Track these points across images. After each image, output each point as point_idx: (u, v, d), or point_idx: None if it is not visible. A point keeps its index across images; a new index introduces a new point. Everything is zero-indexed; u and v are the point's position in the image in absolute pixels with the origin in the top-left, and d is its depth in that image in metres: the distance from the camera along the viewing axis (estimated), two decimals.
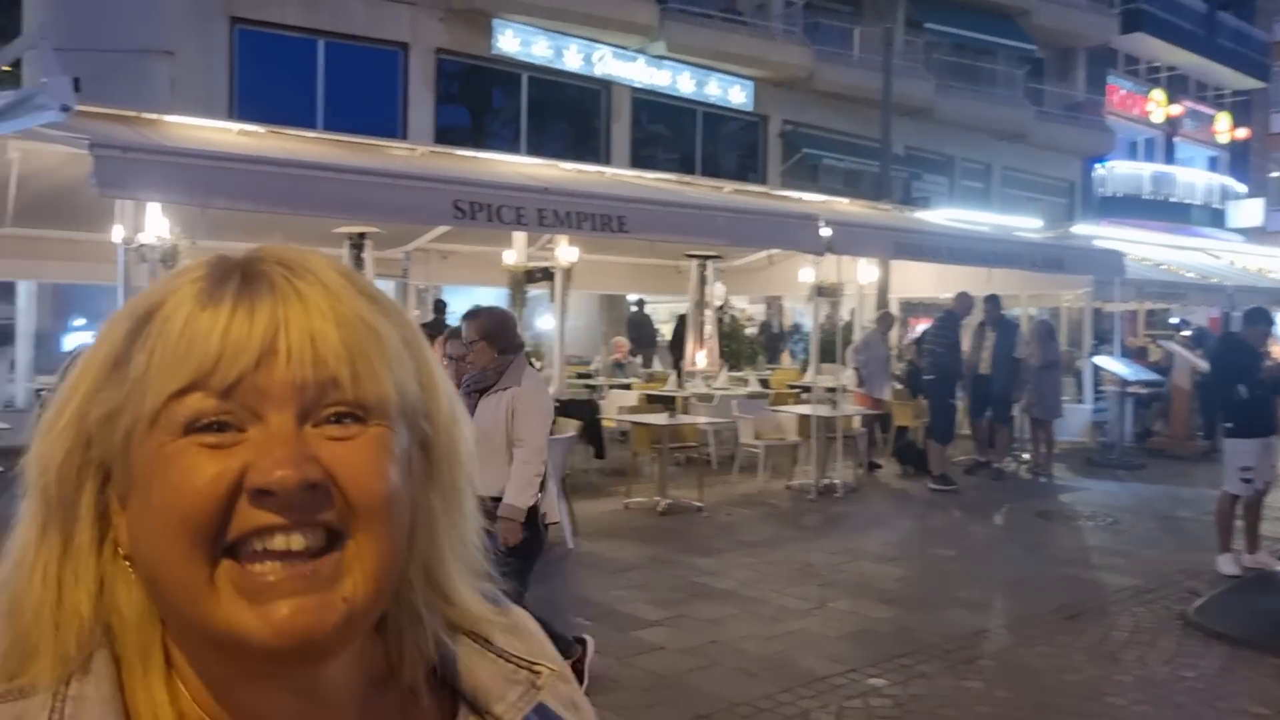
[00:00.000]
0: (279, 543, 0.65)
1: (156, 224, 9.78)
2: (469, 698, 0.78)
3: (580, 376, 15.89)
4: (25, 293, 16.87)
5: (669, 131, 22.93)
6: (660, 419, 9.65)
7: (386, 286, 19.43)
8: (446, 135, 18.93)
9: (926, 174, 26.77)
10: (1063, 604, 6.70)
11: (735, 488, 10.86)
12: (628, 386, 13.47)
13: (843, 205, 15.31)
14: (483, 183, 7.91)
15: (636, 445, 10.21)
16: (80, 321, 16.34)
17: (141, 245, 9.85)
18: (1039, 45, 28.71)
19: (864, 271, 15.32)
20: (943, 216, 15.86)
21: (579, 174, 12.18)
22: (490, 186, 7.87)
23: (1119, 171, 31.71)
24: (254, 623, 0.64)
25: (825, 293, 16.00)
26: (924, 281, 16.14)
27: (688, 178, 13.50)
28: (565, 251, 12.11)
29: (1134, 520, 9.62)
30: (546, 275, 12.38)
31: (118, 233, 10.19)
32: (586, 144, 21.24)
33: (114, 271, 10.81)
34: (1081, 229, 16.78)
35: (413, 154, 11.18)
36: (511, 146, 19.46)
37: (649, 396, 12.88)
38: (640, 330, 19.56)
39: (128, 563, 0.69)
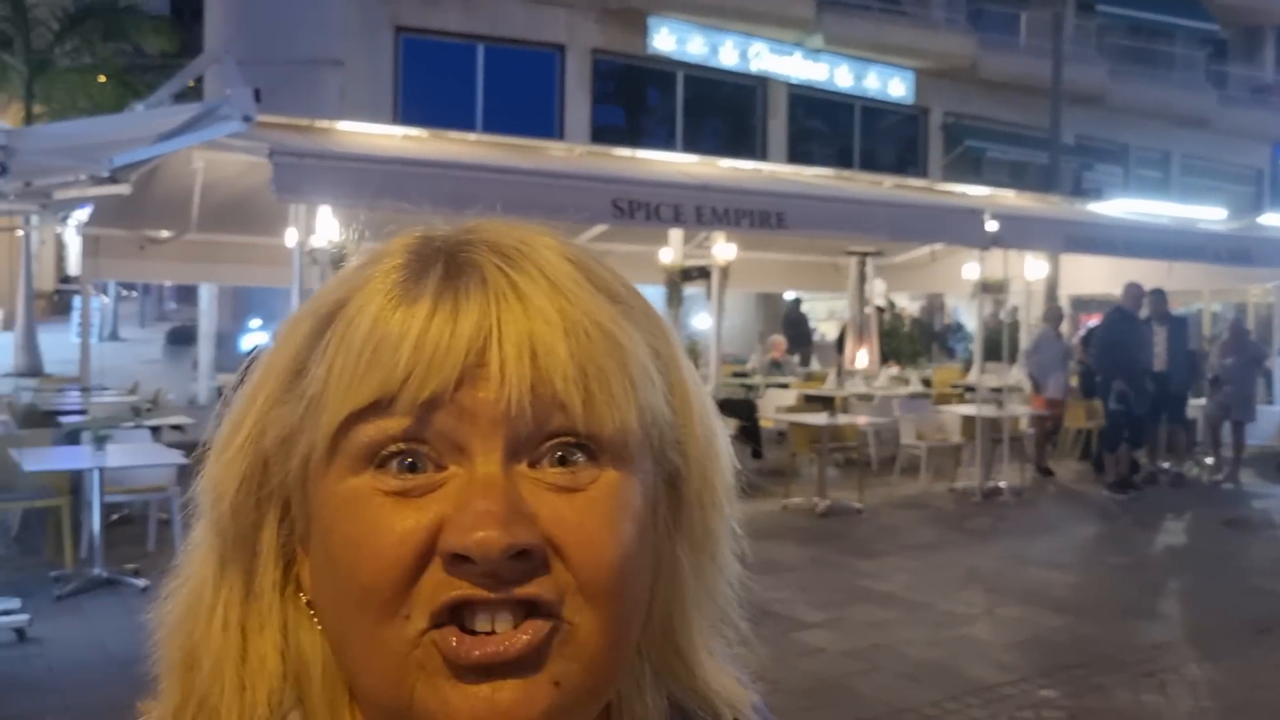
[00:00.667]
0: (481, 624, 0.52)
1: (328, 227, 10.21)
2: None
3: (736, 375, 15.81)
4: (206, 295, 17.83)
5: (826, 126, 22.63)
6: (820, 419, 9.50)
7: None
8: (602, 135, 19.14)
9: (1098, 164, 25.69)
10: (1252, 617, 6.28)
11: (896, 489, 10.61)
12: (785, 386, 13.31)
13: (1009, 198, 14.77)
14: (642, 181, 7.94)
15: (795, 445, 10.08)
16: (257, 322, 17.14)
17: (314, 248, 10.31)
18: (1222, 25, 27.15)
19: (1031, 267, 14.81)
20: (1116, 208, 15.14)
21: (735, 171, 12.10)
22: (649, 184, 7.89)
23: None
24: (451, 705, 0.52)
25: (990, 289, 15.57)
26: (1096, 276, 15.46)
27: (846, 173, 13.28)
28: (722, 249, 12.06)
29: None
30: (703, 274, 12.35)
31: (291, 236, 10.68)
32: (742, 141, 21.13)
33: (288, 274, 11.36)
34: (1271, 219, 15.70)
35: (571, 154, 11.31)
36: (667, 145, 19.51)
37: (807, 396, 12.73)
38: (797, 329, 19.35)
39: (311, 609, 0.58)
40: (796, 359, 17.60)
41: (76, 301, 36.91)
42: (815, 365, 17.30)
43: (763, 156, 20.57)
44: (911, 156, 23.36)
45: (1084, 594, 7.00)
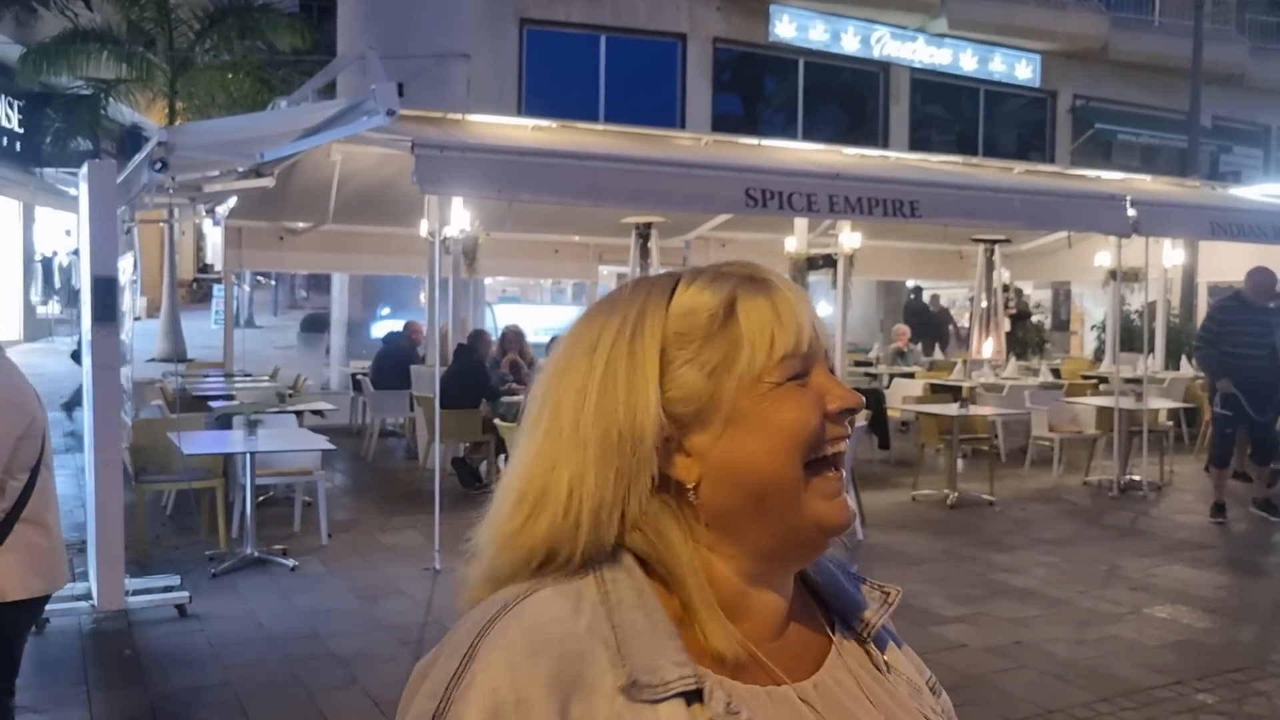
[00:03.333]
0: (842, 447, 0.92)
1: (459, 218, 10.43)
2: (837, 609, 1.02)
3: (858, 364, 15.65)
4: (338, 283, 18.33)
5: (948, 112, 22.17)
6: (950, 409, 9.34)
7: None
8: (723, 123, 19.10)
9: (1237, 146, 24.61)
10: None
11: (1027, 482, 10.38)
12: (911, 375, 13.13)
13: (1144, 183, 14.26)
14: (774, 170, 7.90)
15: (924, 436, 9.95)
16: (386, 310, 17.57)
17: (447, 238, 10.53)
18: None
19: (1169, 254, 14.32)
20: (1259, 192, 14.50)
21: (861, 159, 11.94)
22: (781, 174, 7.85)
23: None
24: (832, 514, 0.91)
25: (1125, 278, 15.09)
26: (1235, 264, 14.84)
27: (974, 159, 12.96)
28: (848, 238, 11.94)
29: None
30: (829, 262, 12.24)
31: (424, 227, 10.94)
32: (863, 128, 20.84)
33: (416, 264, 11.63)
34: None
35: (697, 143, 11.30)
36: (787, 132, 19.40)
37: (934, 386, 12.53)
38: (919, 317, 19.04)
39: (691, 492, 0.90)
40: (919, 348, 17.32)
41: (216, 290, 38.43)
42: (938, 355, 17.00)
43: (884, 144, 20.28)
44: (1038, 141, 22.74)
45: (1235, 596, 6.75)
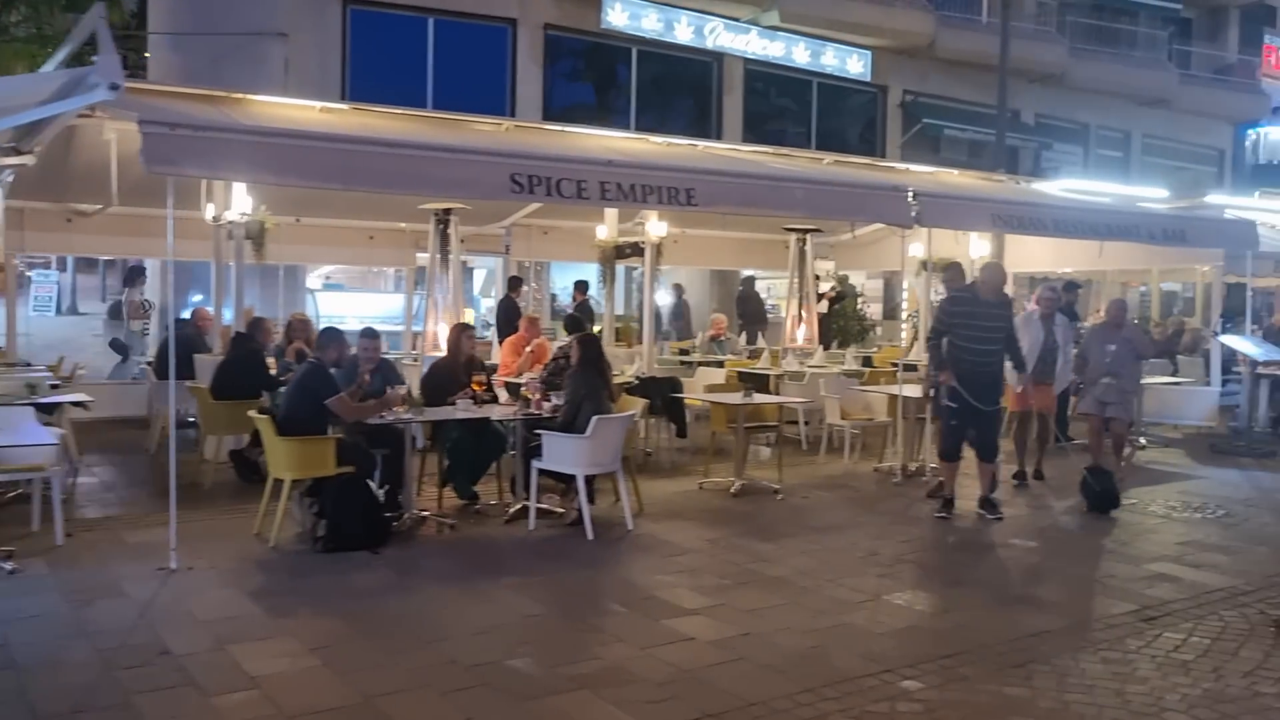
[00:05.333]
0: None
1: (241, 202, 9.99)
2: None
3: (683, 353, 15.68)
4: (152, 269, 17.54)
5: (783, 104, 22.43)
6: (736, 398, 9.35)
7: (487, 263, 19.59)
8: (555, 112, 18.91)
9: (1059, 143, 25.59)
10: (1144, 605, 6.18)
11: (821, 469, 10.51)
12: (721, 364, 13.16)
13: (952, 176, 14.64)
14: (541, 155, 7.73)
15: (714, 425, 9.95)
16: (198, 297, 16.85)
17: (230, 222, 10.08)
18: (1185, 4, 27.09)
19: (975, 245, 14.71)
20: (1058, 187, 15.02)
21: (668, 147, 11.90)
22: (550, 159, 7.69)
23: (1274, 137, 29.71)
24: None
25: (933, 268, 15.45)
26: (1041, 256, 15.39)
27: (788, 150, 13.06)
28: (654, 226, 11.90)
29: (1247, 513, 8.91)
30: (636, 250, 12.18)
31: (210, 211, 10.45)
32: (699, 119, 20.92)
33: (205, 248, 11.11)
34: (1217, 198, 15.64)
35: (498, 129, 11.09)
36: (622, 122, 19.30)
37: (740, 374, 12.60)
38: (749, 305, 19.19)
39: None
40: (743, 337, 17.46)
41: (37, 276, 36.24)
42: (762, 343, 17.14)
43: (718, 135, 20.41)
44: (870, 135, 23.21)
45: (979, 579, 6.90)
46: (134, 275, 18.02)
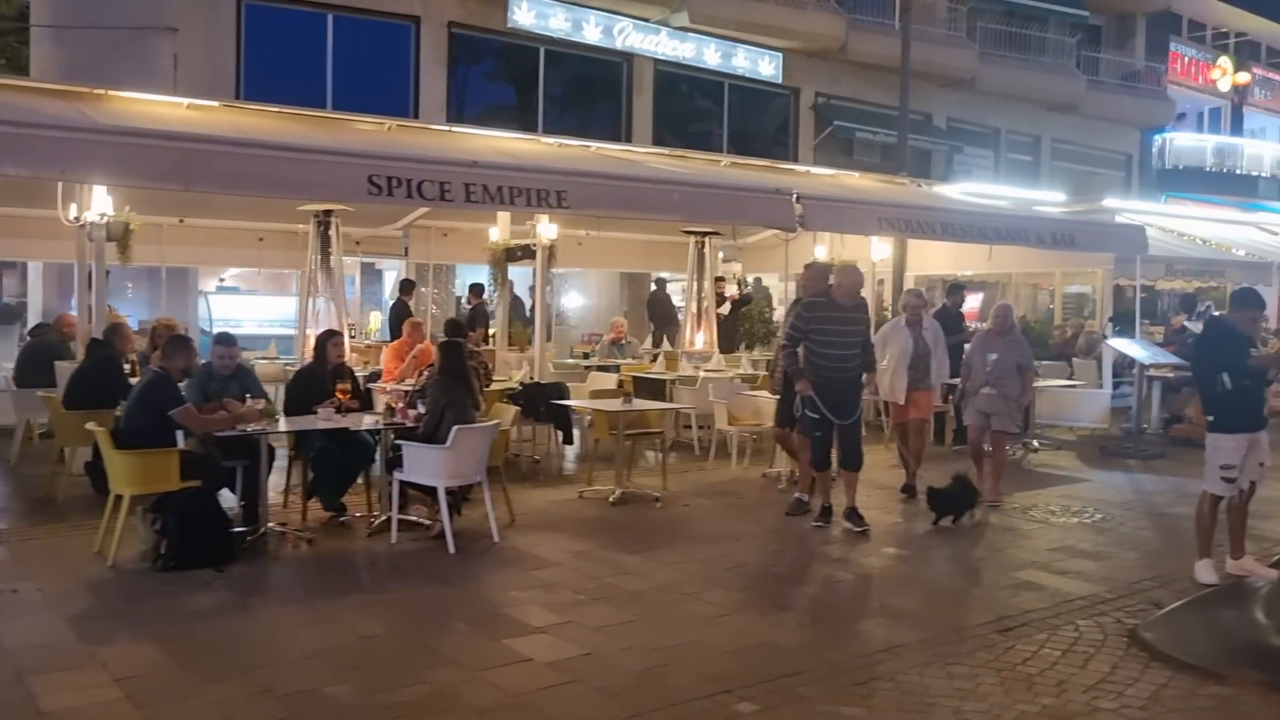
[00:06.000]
0: None
1: (101, 202, 9.57)
2: None
3: (586, 357, 15.49)
4: (34, 271, 16.90)
5: (695, 106, 22.33)
6: (615, 404, 9.16)
7: (398, 265, 19.16)
8: (461, 113, 18.59)
9: (970, 147, 25.84)
10: (1002, 615, 6.08)
11: (709, 476, 10.36)
12: (617, 369, 12.97)
13: (854, 179, 14.65)
14: (402, 156, 7.47)
15: (597, 432, 9.74)
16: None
17: (89, 223, 9.66)
18: (1094, 12, 27.52)
19: (876, 249, 14.71)
20: (959, 191, 15.09)
21: (560, 148, 11.70)
22: (410, 160, 7.43)
23: (1179, 143, 30.33)
24: None
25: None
26: (942, 259, 15.45)
27: (683, 152, 12.93)
28: (545, 229, 11.68)
29: (1125, 517, 8.91)
30: (528, 253, 11.95)
31: (73, 210, 10.00)
32: (609, 120, 20.72)
33: (67, 249, 10.66)
34: (1113, 202, 15.82)
35: (380, 129, 10.80)
36: (530, 123, 19.02)
37: (635, 379, 12.43)
38: (658, 309, 19.03)
39: None
40: (649, 341, 17.32)
41: None
42: (667, 346, 17.00)
43: (629, 137, 20.22)
44: (782, 137, 23.21)
45: (842, 590, 6.78)
46: None
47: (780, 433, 9.25)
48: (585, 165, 9.00)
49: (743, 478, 10.29)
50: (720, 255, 16.74)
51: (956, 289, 14.07)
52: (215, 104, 10.23)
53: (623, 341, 14.69)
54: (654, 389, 11.99)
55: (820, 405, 7.94)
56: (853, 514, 8.16)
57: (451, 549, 7.19)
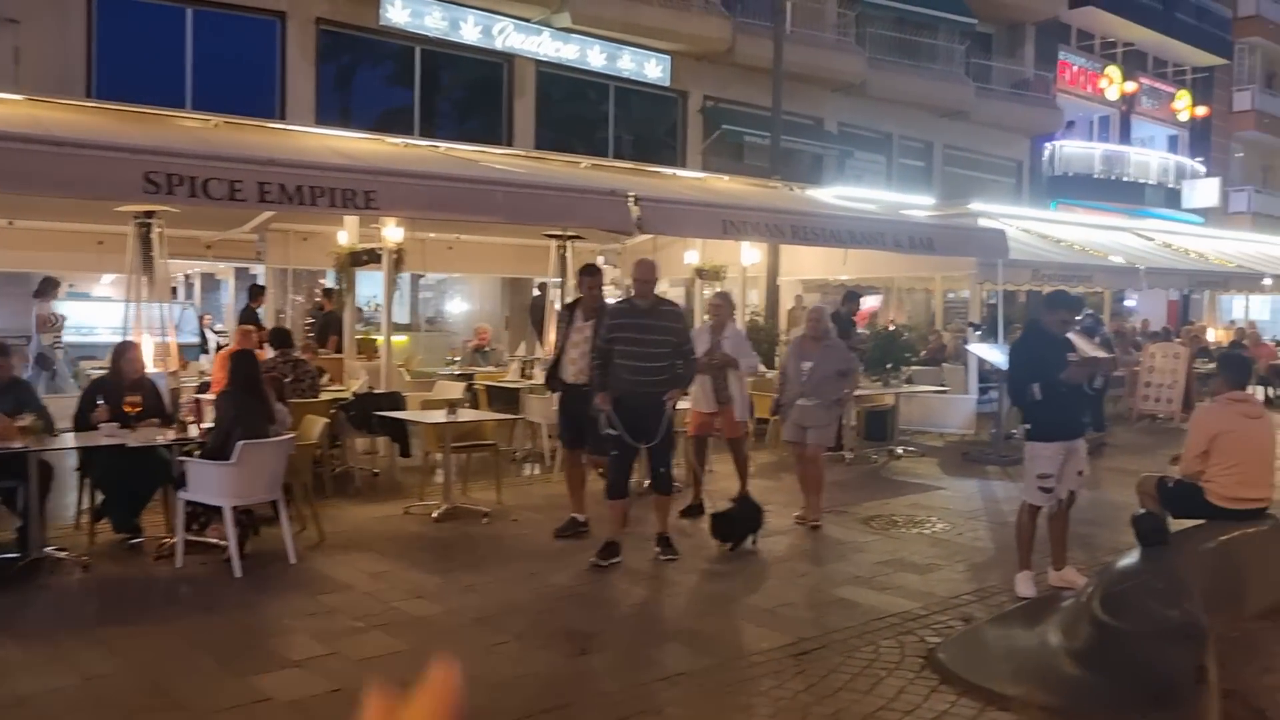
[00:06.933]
0: None
1: None
2: None
3: (453, 362, 15.01)
4: None
5: (580, 109, 21.92)
6: (438, 416, 8.72)
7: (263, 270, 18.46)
8: (331, 113, 17.95)
9: (862, 152, 25.84)
10: (803, 637, 5.78)
11: (549, 489, 9.89)
12: (469, 377, 12.52)
13: (722, 183, 14.40)
14: (186, 153, 6.95)
15: (427, 444, 9.29)
16: None
17: None
18: (984, 20, 27.74)
19: (747, 254, 14.48)
20: (831, 194, 14.94)
21: (405, 147, 11.25)
22: (195, 157, 6.92)
23: (1068, 151, 30.78)
24: None
25: (706, 275, 15.18)
26: (814, 264, 15.27)
27: (540, 153, 12.54)
28: (392, 232, 11.21)
29: (966, 527, 8.72)
30: (373, 257, 11.45)
31: None
32: (489, 123, 20.24)
33: None
34: (978, 206, 15.83)
35: (206, 125, 10.23)
36: (404, 125, 18.46)
37: (488, 387, 12.02)
38: (537, 315, 18.60)
39: None
40: (534, 348, 16.88)
41: None
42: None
43: (510, 140, 19.76)
44: (670, 140, 22.92)
45: (641, 610, 6.42)
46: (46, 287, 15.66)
47: (567, 454, 8.29)
48: (402, 165, 8.50)
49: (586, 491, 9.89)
50: (602, 260, 16.40)
51: (853, 296, 13.90)
52: (65, 102, 9.60)
53: (486, 349, 14.23)
54: (507, 398, 11.59)
55: (617, 423, 7.06)
56: (663, 541, 7.36)
57: (238, 573, 6.69)
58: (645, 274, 7.29)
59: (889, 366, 12.66)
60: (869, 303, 24.28)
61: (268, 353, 10.20)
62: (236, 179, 6.94)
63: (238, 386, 7.12)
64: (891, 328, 14.99)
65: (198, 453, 7.13)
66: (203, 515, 7.19)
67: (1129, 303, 27.01)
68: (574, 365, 7.84)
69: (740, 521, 7.63)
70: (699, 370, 8.08)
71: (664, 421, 7.16)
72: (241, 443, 6.69)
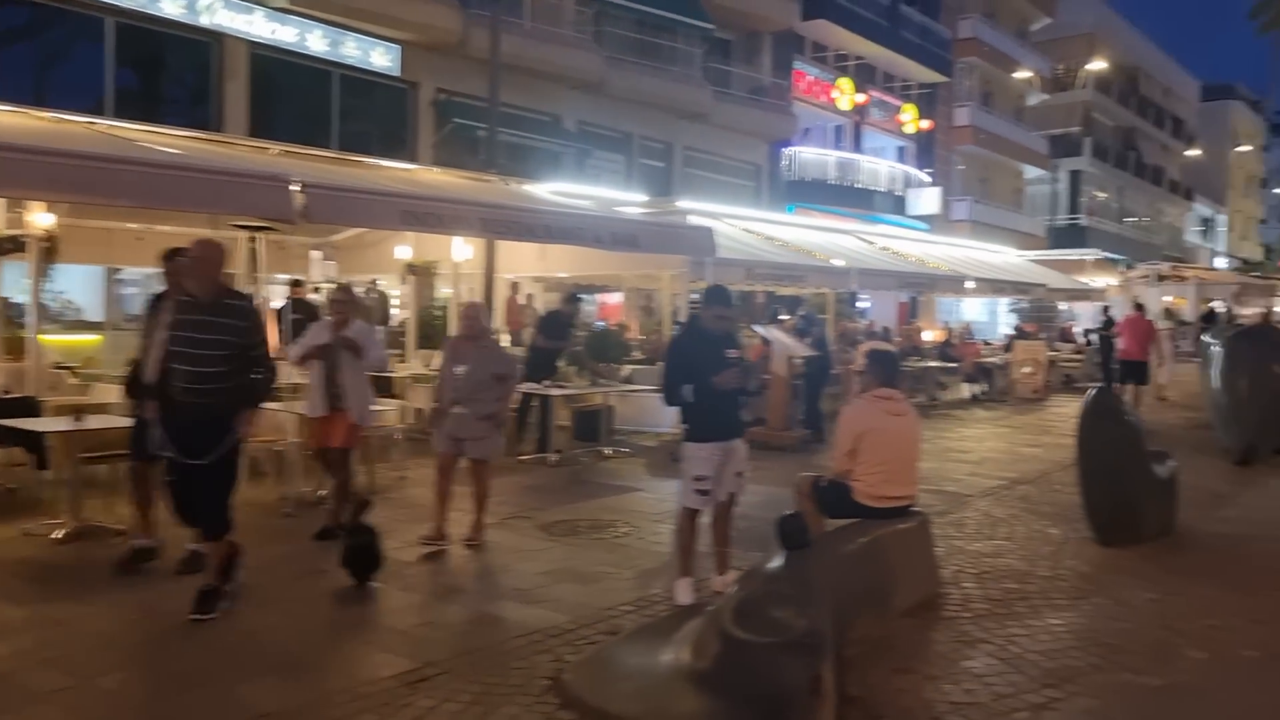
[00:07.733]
0: None
1: None
2: None
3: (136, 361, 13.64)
4: None
5: (298, 95, 20.67)
6: (63, 424, 7.72)
7: None
8: (7, 91, 16.13)
9: (601, 151, 25.72)
10: (430, 660, 5.26)
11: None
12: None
13: (432, 175, 13.78)
14: None
15: (56, 456, 8.22)
16: None
17: None
18: (722, 27, 28.20)
19: (459, 249, 13.91)
20: (548, 189, 14.57)
21: (109, 130, 10.05)
22: None
23: (804, 157, 31.80)
24: None
25: (418, 271, 14.52)
26: (531, 261, 14.87)
27: (219, 136, 11.56)
28: (41, 217, 10.02)
29: (650, 530, 8.43)
30: (17, 245, 10.20)
31: None
32: (194, 105, 18.80)
33: None
34: (686, 204, 15.88)
35: None
36: (91, 103, 16.83)
37: None
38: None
39: None
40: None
41: None
42: None
43: (219, 125, 18.41)
44: (400, 133, 22.04)
45: (244, 645, 5.66)
46: None
47: (136, 466, 7.07)
48: (29, 142, 7.42)
49: (256, 501, 9.02)
50: (320, 255, 15.44)
51: (574, 297, 13.55)
52: None
53: None
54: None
55: (166, 438, 5.73)
56: (203, 596, 5.91)
57: None
58: (205, 254, 5.66)
59: (601, 365, 12.40)
60: (614, 299, 24.27)
61: None
62: None
63: None
64: (602, 325, 14.77)
65: None
66: None
67: (862, 304, 28.12)
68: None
69: (360, 554, 6.57)
70: (312, 355, 7.38)
71: (223, 443, 5.75)
72: None
